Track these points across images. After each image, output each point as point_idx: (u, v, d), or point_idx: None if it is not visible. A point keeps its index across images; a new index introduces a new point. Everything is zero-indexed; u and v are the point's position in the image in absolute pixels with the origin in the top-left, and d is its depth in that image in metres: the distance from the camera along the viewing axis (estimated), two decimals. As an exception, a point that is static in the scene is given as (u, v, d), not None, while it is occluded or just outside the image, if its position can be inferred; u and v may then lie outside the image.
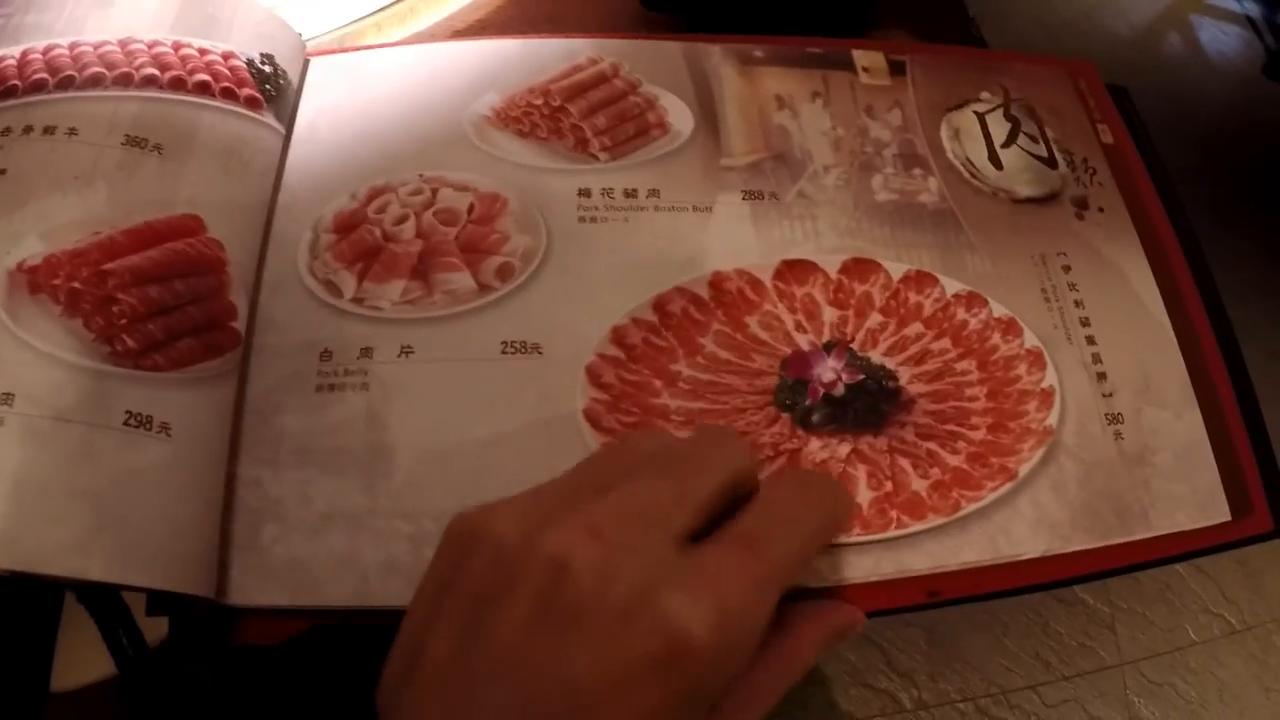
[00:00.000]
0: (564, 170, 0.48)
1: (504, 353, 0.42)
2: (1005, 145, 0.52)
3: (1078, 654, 1.18)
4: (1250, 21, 1.83)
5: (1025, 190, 0.51)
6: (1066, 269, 0.48)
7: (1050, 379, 0.44)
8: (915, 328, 0.45)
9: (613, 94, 0.50)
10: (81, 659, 0.39)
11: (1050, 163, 0.52)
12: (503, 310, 0.43)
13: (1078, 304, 0.47)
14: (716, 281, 0.45)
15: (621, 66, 0.51)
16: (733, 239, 0.46)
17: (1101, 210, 0.50)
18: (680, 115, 0.50)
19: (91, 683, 0.39)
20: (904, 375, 0.43)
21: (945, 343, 0.44)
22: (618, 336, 0.43)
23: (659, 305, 0.44)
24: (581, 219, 0.46)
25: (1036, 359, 0.44)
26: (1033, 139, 0.53)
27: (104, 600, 0.39)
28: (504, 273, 0.44)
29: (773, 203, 0.48)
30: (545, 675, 0.24)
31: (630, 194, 0.47)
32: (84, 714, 0.39)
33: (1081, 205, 0.50)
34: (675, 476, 0.28)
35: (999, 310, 0.46)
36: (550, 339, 0.42)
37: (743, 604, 0.26)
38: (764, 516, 0.28)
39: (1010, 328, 0.45)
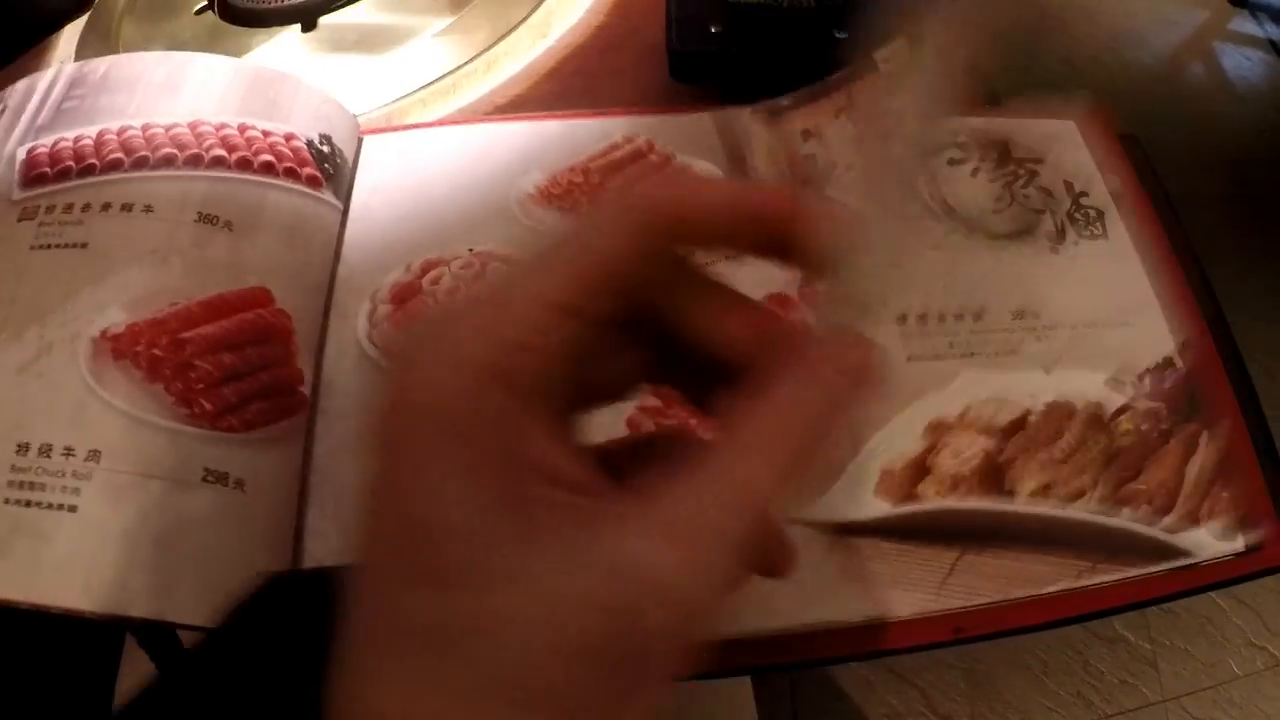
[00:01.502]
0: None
1: None
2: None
3: (1120, 691, 1.17)
4: (1274, 46, 1.82)
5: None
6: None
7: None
8: None
9: (647, 169, 0.53)
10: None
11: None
12: None
13: None
14: None
15: (655, 142, 0.54)
16: (761, 269, 0.48)
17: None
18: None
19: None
20: None
21: None
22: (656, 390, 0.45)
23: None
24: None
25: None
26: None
27: (160, 637, 0.41)
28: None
29: None
30: None
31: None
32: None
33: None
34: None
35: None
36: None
37: None
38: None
39: None
